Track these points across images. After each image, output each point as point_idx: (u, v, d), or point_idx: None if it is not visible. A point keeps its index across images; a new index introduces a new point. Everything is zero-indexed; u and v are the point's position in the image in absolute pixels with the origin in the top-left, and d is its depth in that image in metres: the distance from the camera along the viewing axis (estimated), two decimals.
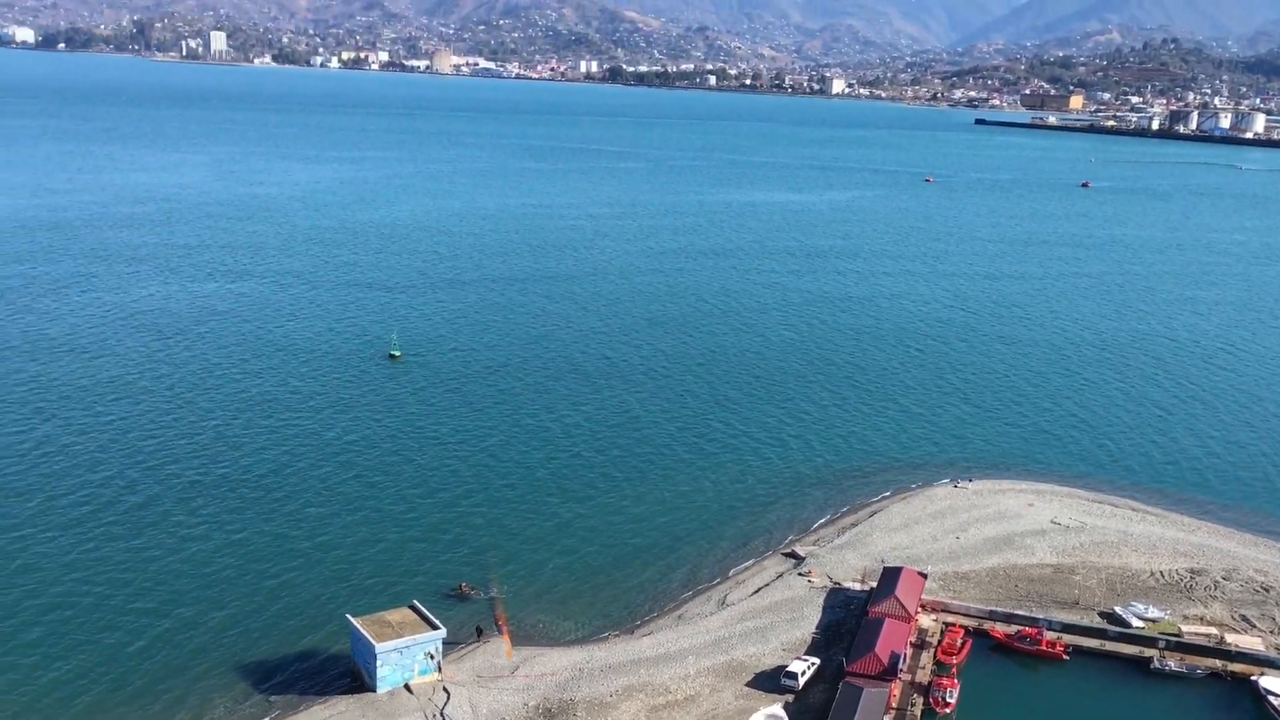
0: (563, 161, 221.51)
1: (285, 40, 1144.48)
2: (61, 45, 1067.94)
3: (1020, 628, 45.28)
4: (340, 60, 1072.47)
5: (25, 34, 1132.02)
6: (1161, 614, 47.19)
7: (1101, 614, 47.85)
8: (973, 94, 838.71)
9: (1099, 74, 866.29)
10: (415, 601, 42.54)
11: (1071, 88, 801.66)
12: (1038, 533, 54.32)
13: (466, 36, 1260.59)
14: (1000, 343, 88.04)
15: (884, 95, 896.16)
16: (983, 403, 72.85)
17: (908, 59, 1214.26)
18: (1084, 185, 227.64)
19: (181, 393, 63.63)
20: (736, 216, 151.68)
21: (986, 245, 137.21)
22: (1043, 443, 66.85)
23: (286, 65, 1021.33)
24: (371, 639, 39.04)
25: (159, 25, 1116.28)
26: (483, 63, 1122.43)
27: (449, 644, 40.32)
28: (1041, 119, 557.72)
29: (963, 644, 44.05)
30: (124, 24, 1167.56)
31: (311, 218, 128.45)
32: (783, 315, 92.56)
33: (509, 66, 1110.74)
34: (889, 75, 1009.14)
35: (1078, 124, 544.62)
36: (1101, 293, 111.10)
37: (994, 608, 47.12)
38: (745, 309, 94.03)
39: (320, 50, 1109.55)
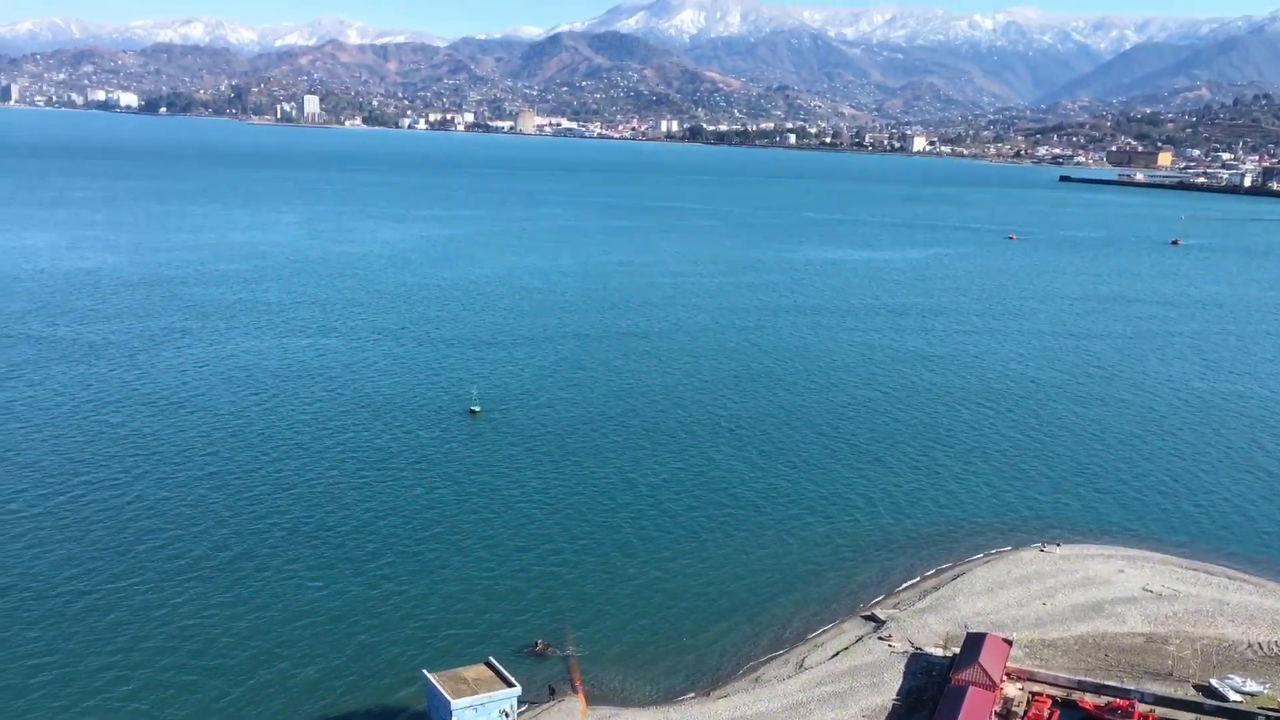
0: (644, 219, 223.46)
1: (375, 103, 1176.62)
2: (163, 109, 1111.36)
3: (1110, 699, 43.79)
4: (427, 122, 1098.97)
5: (130, 99, 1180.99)
6: (1260, 688, 45.31)
7: (1196, 686, 46.08)
8: (1057, 151, 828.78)
9: (1188, 130, 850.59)
10: (491, 658, 42.57)
11: (1159, 144, 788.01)
12: (1129, 600, 52.59)
13: (550, 98, 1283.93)
14: (1089, 403, 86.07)
15: (966, 152, 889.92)
16: (1071, 464, 71.12)
17: (990, 116, 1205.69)
18: (1174, 243, 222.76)
19: (270, 449, 64.96)
20: (817, 274, 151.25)
21: (1073, 304, 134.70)
22: (1134, 506, 64.94)
23: (376, 127, 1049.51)
24: (447, 695, 39.13)
25: (255, 90, 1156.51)
26: (565, 123, 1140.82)
27: (524, 702, 40.22)
28: (1129, 176, 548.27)
29: (1050, 715, 42.71)
30: (222, 89, 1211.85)
31: (397, 275, 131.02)
32: (866, 373, 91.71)
33: (591, 126, 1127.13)
34: (971, 132, 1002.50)
35: (1166, 181, 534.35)
36: (1195, 352, 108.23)
37: (1083, 677, 45.66)
38: (827, 366, 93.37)
39: (408, 112, 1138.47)
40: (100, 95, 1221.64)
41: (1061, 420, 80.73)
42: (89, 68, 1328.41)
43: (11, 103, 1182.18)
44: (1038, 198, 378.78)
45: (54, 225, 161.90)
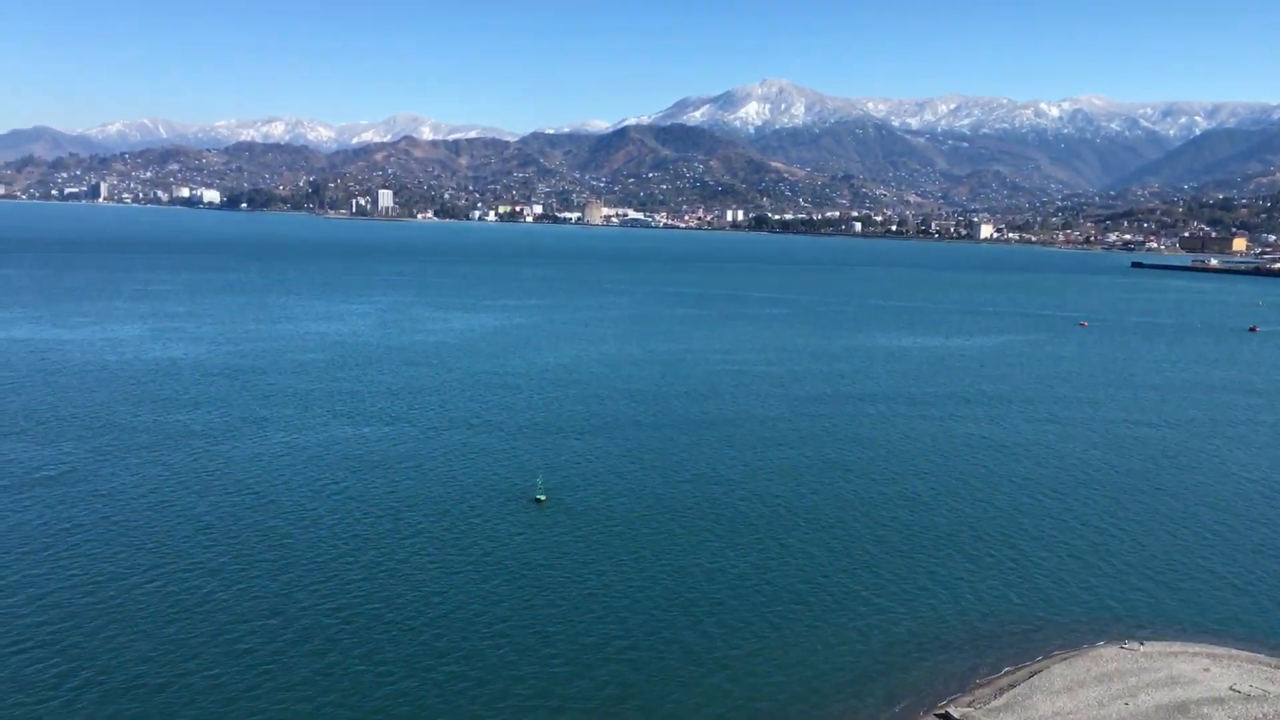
0: (710, 308, 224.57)
1: (447, 196, 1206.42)
2: (244, 205, 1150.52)
3: None
4: (497, 214, 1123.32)
5: (212, 195, 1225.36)
6: None
7: None
8: (1128, 237, 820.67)
9: (1262, 215, 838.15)
10: None
11: (1233, 230, 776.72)
12: (1215, 701, 50.46)
13: (617, 189, 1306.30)
14: (1170, 494, 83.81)
15: (1034, 239, 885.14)
16: (1153, 557, 69.06)
17: (1059, 203, 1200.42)
18: (1251, 329, 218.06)
19: (336, 538, 65.65)
20: (887, 361, 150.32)
21: (1149, 391, 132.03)
22: (1219, 602, 62.67)
23: (447, 219, 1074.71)
24: None
25: (332, 185, 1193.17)
26: (632, 213, 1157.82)
27: None
28: (1202, 261, 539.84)
29: None
30: (301, 184, 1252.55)
31: (466, 363, 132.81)
32: (940, 461, 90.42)
33: (657, 216, 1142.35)
34: (1039, 219, 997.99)
35: (1242, 266, 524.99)
36: (1278, 441, 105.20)
37: None
38: (901, 454, 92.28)
39: (479, 204, 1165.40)
40: (184, 192, 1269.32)
41: (1142, 511, 78.66)
42: (174, 166, 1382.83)
43: (100, 200, 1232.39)
44: (1109, 284, 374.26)
45: (139, 317, 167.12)
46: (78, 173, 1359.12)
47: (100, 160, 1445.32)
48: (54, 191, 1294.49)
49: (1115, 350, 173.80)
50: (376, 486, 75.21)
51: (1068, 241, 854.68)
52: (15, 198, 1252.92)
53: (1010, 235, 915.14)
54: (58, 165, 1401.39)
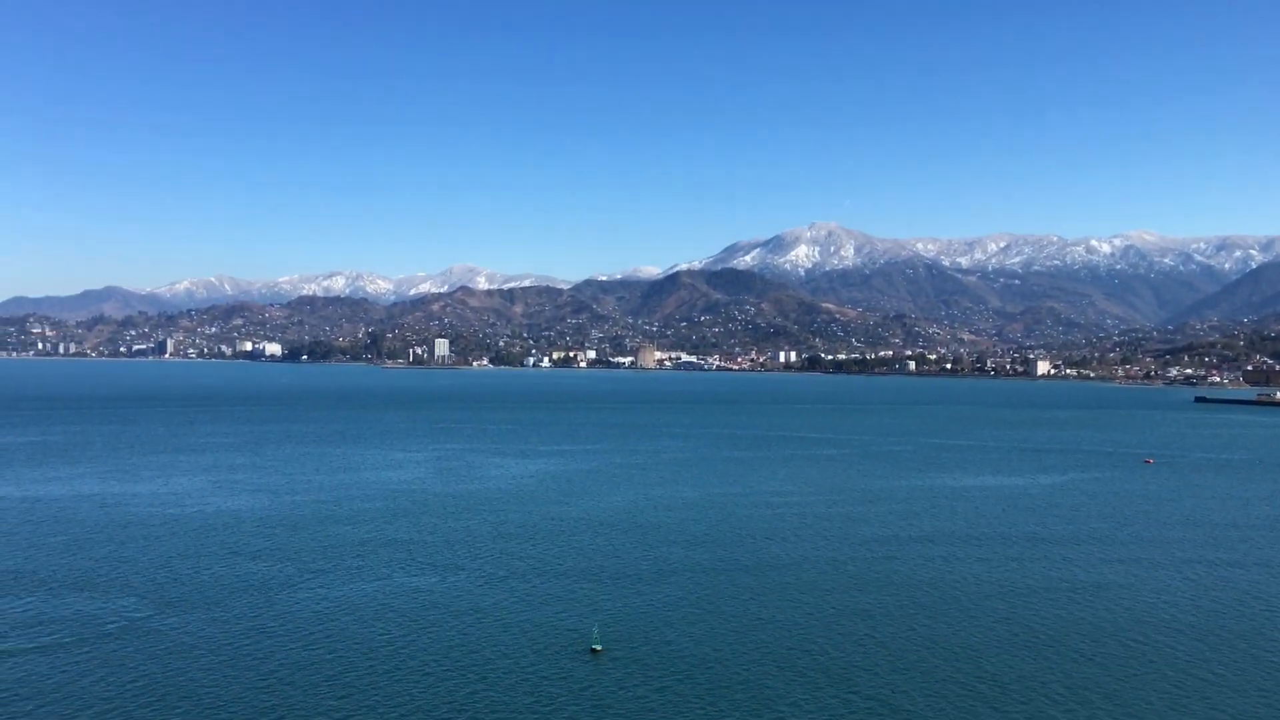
0: (765, 450, 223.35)
1: (502, 343, 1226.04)
2: (305, 357, 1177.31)
3: None
4: (551, 360, 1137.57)
5: (274, 348, 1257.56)
6: None
7: None
8: (1189, 371, 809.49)
9: None
10: None
11: None
12: None
13: (669, 333, 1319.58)
14: (1245, 639, 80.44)
15: (1093, 375, 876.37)
16: (1247, 699, 65.89)
17: (1115, 338, 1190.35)
18: None
19: (398, 692, 64.86)
20: (946, 501, 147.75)
21: (1223, 530, 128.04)
22: None
23: (503, 366, 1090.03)
24: None
25: (390, 336, 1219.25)
26: (685, 356, 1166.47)
27: None
28: (1268, 395, 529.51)
29: None
30: (360, 336, 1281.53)
31: (522, 510, 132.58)
32: (1007, 605, 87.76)
33: (710, 359, 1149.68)
34: (1096, 354, 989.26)
35: None
36: None
37: None
38: (963, 598, 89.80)
39: (533, 351, 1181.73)
40: (248, 346, 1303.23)
41: (1221, 658, 75.41)
42: (238, 321, 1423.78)
43: (167, 356, 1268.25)
44: (1172, 419, 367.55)
45: (201, 470, 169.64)
46: (146, 330, 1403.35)
47: (168, 318, 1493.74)
48: (122, 349, 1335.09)
49: (1184, 487, 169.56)
50: (432, 638, 74.46)
51: (1127, 377, 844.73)
52: (86, 355, 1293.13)
53: (1068, 371, 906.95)
54: (127, 323, 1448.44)
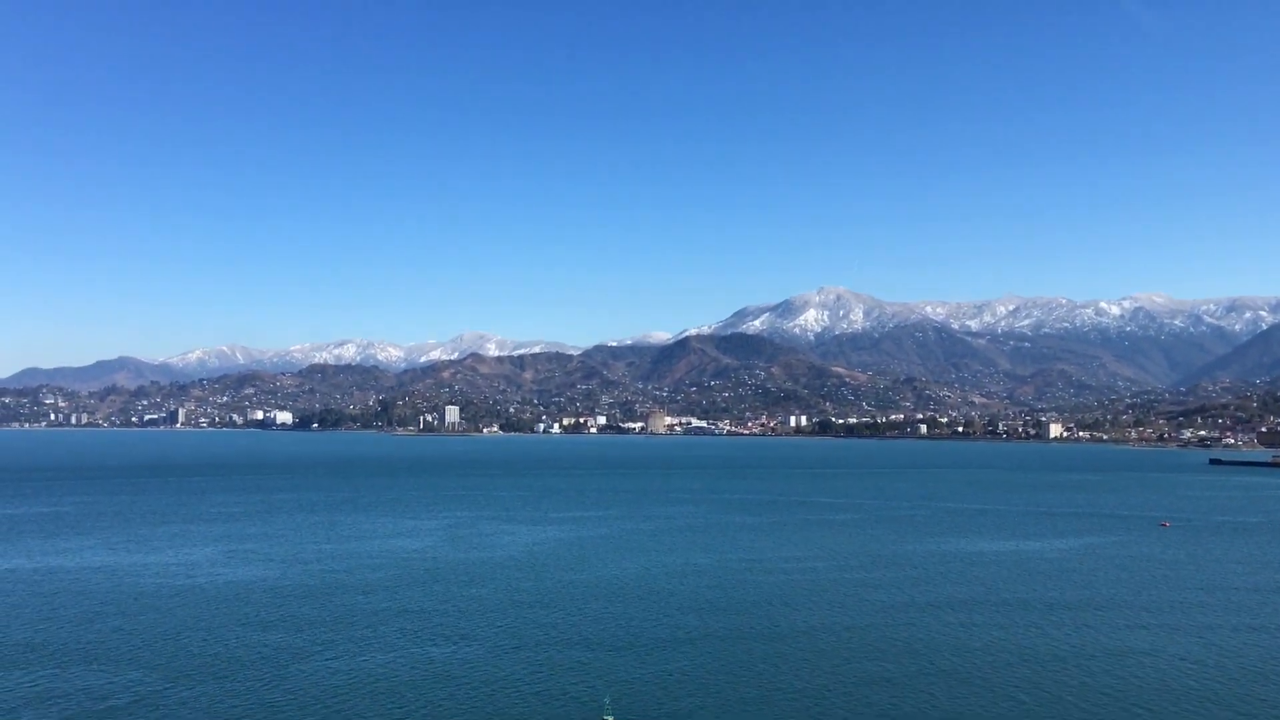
0: (777, 515, 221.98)
1: (512, 410, 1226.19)
2: (315, 425, 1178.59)
3: None
4: (561, 426, 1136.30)
5: (285, 416, 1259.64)
6: None
7: None
8: (1203, 433, 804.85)
9: None
10: None
11: None
12: None
13: (679, 398, 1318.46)
14: (1273, 706, 79.03)
15: (1105, 437, 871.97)
16: None
17: (1128, 400, 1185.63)
18: None
19: None
20: (962, 566, 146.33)
21: (1244, 594, 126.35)
22: None
23: (513, 433, 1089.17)
24: None
25: (400, 403, 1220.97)
26: (695, 421, 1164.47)
27: None
28: None
29: None
30: (370, 403, 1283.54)
31: (532, 579, 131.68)
32: (1028, 672, 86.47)
33: (720, 424, 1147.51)
34: (1109, 417, 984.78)
35: None
36: None
37: None
38: (983, 665, 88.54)
39: (543, 417, 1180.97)
40: (259, 415, 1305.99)
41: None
42: (250, 390, 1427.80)
43: (178, 425, 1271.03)
44: (1187, 482, 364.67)
45: (212, 539, 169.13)
46: (158, 400, 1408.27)
47: (179, 387, 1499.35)
48: (134, 419, 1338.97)
49: (1202, 551, 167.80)
50: (444, 710, 73.65)
51: (1140, 439, 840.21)
52: (98, 426, 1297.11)
53: (1080, 434, 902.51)
54: (139, 393, 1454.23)
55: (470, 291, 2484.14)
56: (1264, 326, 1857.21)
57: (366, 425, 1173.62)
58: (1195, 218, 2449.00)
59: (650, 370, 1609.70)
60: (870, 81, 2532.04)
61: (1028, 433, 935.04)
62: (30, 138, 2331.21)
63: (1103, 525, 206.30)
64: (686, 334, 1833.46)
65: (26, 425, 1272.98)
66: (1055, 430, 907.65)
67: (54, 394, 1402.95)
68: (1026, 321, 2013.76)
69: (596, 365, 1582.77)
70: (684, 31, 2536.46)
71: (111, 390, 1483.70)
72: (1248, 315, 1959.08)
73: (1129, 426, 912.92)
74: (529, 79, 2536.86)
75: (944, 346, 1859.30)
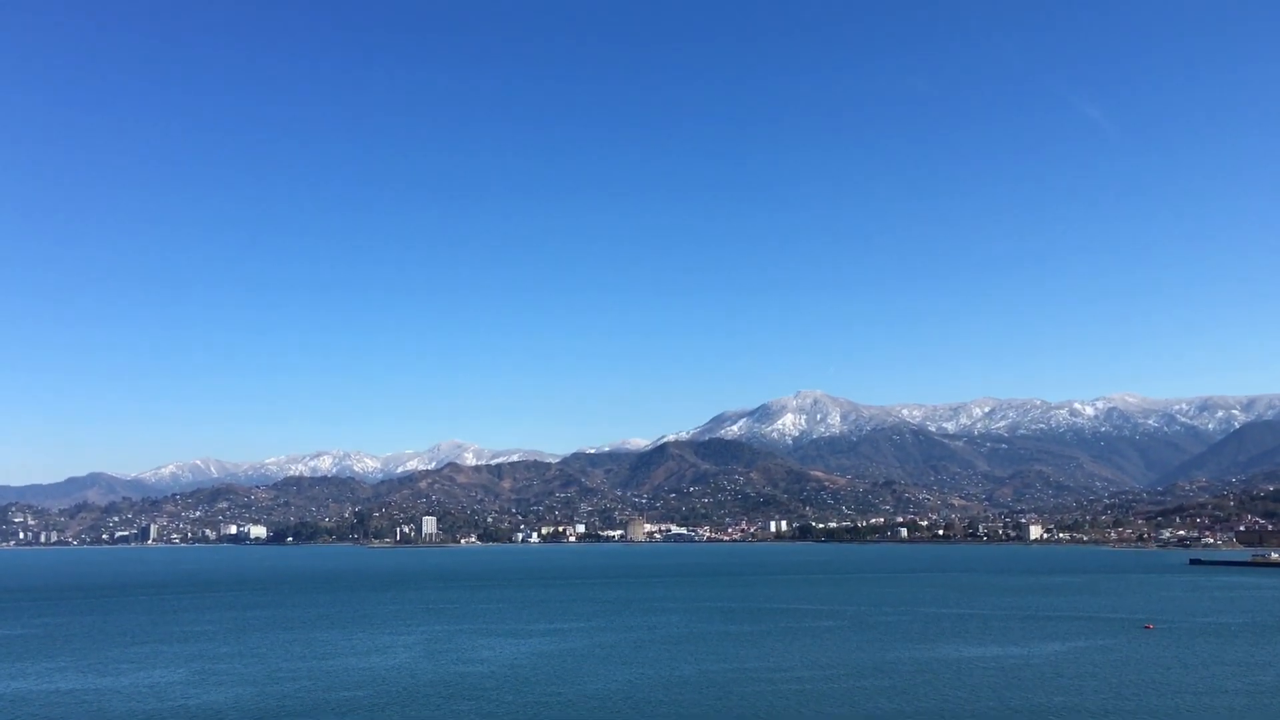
0: (760, 623, 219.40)
1: (490, 519, 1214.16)
2: (290, 539, 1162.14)
3: None
4: (540, 535, 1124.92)
5: (259, 530, 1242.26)
6: None
7: None
8: (1182, 533, 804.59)
9: None
10: None
11: None
12: None
13: (659, 505, 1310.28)
14: None
15: (1085, 538, 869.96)
16: None
17: (1106, 500, 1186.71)
18: None
19: None
20: (950, 673, 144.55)
21: (1237, 698, 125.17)
22: None
23: (491, 543, 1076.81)
24: None
25: (377, 515, 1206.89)
26: (675, 528, 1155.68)
27: None
28: (1263, 555, 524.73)
29: None
30: (346, 515, 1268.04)
31: (514, 694, 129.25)
32: None
33: (700, 530, 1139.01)
34: (1088, 518, 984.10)
35: None
36: None
37: None
38: None
39: (522, 527, 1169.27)
40: (232, 529, 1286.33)
41: None
42: (223, 504, 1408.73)
43: (149, 542, 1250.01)
44: (1169, 582, 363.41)
45: (185, 660, 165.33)
46: (129, 516, 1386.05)
47: (151, 503, 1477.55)
48: (105, 536, 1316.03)
49: (1188, 654, 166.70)
50: None
51: (1120, 540, 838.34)
52: (68, 544, 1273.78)
53: (1060, 535, 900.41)
54: (110, 510, 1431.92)
55: (447, 400, 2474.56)
56: (1236, 425, 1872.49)
57: (342, 538, 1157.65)
58: (1165, 318, 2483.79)
59: (629, 477, 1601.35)
60: (844, 186, 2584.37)
61: (1008, 535, 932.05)
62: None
63: (1087, 628, 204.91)
64: (665, 440, 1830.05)
65: None
66: (1035, 532, 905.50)
67: (23, 512, 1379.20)
68: (1003, 423, 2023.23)
69: (575, 473, 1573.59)
70: (648, 139, 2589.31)
71: (82, 507, 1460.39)
72: (1220, 414, 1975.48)
73: (1108, 527, 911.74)
74: (505, 187, 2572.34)
75: (921, 449, 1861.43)
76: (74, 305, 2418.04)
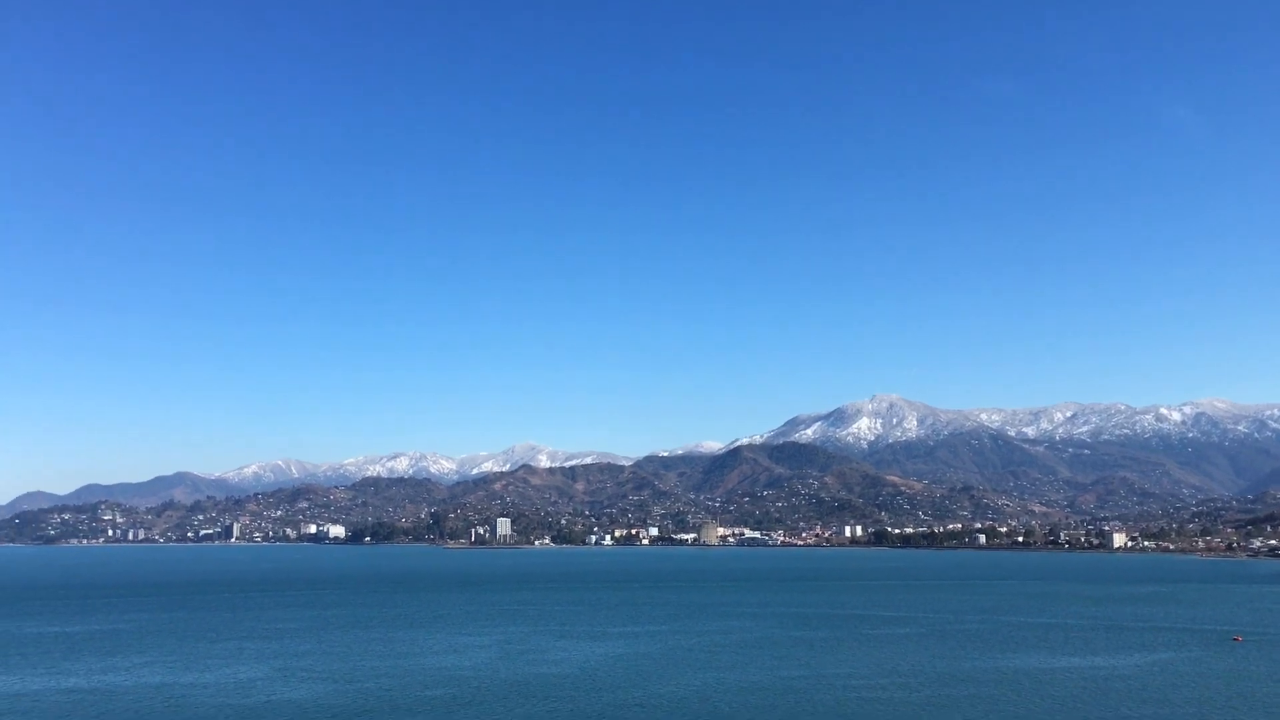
0: (835, 629, 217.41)
1: (564, 522, 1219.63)
2: (368, 539, 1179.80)
3: None
4: (613, 537, 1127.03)
5: (338, 530, 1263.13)
6: None
7: None
8: (1273, 542, 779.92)
9: None
10: None
11: None
12: None
13: (732, 508, 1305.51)
14: None
15: (1172, 547, 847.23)
16: None
17: (1193, 508, 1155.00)
18: None
19: None
20: (1032, 684, 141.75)
21: None
22: None
23: (564, 545, 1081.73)
24: None
25: (452, 516, 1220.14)
26: (748, 532, 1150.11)
27: None
28: None
29: None
30: (422, 516, 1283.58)
31: (590, 697, 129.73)
32: None
33: (774, 534, 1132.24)
34: (1175, 526, 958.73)
35: None
36: None
37: None
38: None
39: (595, 529, 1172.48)
40: (312, 529, 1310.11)
41: None
42: (304, 504, 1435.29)
43: (232, 540, 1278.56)
44: (1257, 593, 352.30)
45: (267, 656, 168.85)
46: (213, 514, 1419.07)
47: (235, 501, 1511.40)
48: (189, 534, 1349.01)
49: (1278, 667, 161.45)
50: None
51: (1208, 549, 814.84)
52: (155, 541, 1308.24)
53: (1146, 544, 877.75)
54: (195, 508, 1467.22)
55: (522, 403, 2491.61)
56: None
57: (418, 538, 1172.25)
58: (1255, 320, 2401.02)
59: (702, 480, 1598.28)
60: (924, 184, 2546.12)
61: (1090, 542, 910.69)
62: (83, 255, 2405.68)
63: (1174, 640, 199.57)
64: (738, 443, 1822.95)
65: (85, 541, 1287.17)
66: (1119, 540, 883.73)
67: (113, 510, 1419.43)
68: (1085, 428, 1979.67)
69: (648, 476, 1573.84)
70: (731, 150, 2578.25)
71: (168, 505, 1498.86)
72: None
73: (1196, 536, 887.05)
74: (577, 190, 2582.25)
75: (1000, 454, 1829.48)
76: (165, 309, 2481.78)
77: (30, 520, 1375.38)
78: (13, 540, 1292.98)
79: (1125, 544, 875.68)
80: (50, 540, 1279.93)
